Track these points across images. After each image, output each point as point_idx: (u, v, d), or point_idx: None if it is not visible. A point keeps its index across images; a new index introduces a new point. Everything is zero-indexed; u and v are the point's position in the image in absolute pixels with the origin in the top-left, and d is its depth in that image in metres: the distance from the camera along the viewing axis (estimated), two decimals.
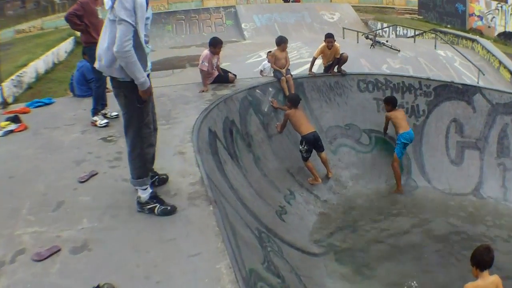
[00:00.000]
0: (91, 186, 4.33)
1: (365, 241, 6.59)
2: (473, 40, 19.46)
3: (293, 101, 7.46)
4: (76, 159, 4.97)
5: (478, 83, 15.58)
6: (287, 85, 8.32)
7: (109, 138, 5.47)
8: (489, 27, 25.50)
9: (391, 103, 7.87)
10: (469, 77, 16.17)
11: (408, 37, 22.76)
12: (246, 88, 7.79)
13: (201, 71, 7.73)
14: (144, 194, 3.78)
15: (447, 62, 16.88)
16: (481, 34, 24.33)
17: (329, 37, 8.58)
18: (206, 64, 7.69)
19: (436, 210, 7.43)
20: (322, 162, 7.65)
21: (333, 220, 7.08)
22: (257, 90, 7.99)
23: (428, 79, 8.96)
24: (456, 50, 17.22)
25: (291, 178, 7.46)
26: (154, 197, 3.83)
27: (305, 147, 7.31)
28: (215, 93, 7.48)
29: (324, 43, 8.70)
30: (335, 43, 8.68)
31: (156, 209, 3.76)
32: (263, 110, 7.88)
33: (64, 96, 7.43)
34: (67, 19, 5.88)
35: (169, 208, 3.81)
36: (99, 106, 6.09)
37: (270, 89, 8.27)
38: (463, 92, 8.49)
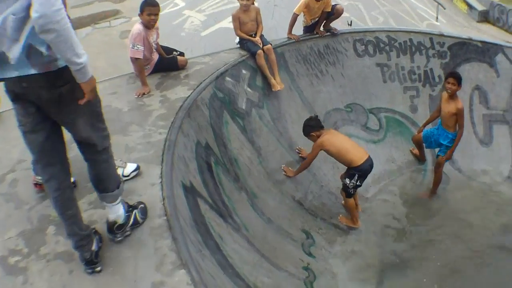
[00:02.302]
0: None
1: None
2: None
3: (316, 127, 4.92)
4: None
5: (437, 18, 13.96)
6: (268, 60, 5.66)
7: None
8: None
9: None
10: (426, 12, 14.40)
11: None
12: (212, 79, 4.99)
13: (135, 61, 4.72)
14: (121, 209, 2.69)
15: None
16: None
17: None
18: (141, 48, 4.67)
19: (479, 210, 5.62)
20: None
21: (371, 260, 4.92)
22: (227, 78, 5.23)
23: (441, 35, 6.85)
24: None
25: (300, 210, 5.05)
26: (128, 206, 2.80)
27: (357, 182, 4.85)
28: (165, 96, 4.59)
29: None
30: None
31: (138, 215, 2.78)
32: (240, 107, 5.20)
33: None
34: None
35: (142, 205, 2.85)
36: None
37: (244, 71, 5.53)
38: (484, 52, 6.69)
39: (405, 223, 5.46)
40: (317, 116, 5.05)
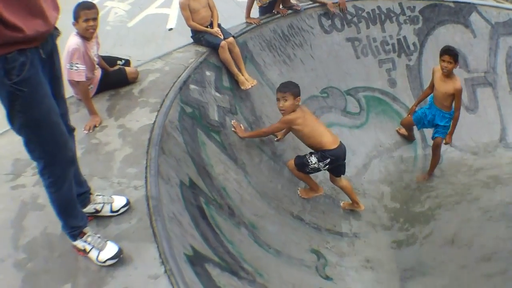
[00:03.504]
0: None
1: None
2: None
3: (297, 91, 4.11)
4: None
5: None
6: (232, 55, 4.86)
7: None
8: None
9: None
10: None
11: None
12: (175, 92, 4.12)
13: (75, 84, 3.73)
14: None
15: None
16: None
17: None
18: (82, 68, 3.67)
19: (482, 187, 5.34)
20: (345, 192, 4.74)
21: (388, 266, 4.51)
22: (192, 86, 4.37)
23: None
24: None
25: (302, 227, 4.45)
26: None
27: (325, 166, 4.27)
28: (123, 125, 3.67)
29: None
30: None
31: None
32: (213, 120, 4.40)
33: None
34: None
35: None
36: (75, 211, 2.41)
37: (207, 72, 4.70)
38: (457, 12, 6.39)
39: (412, 214, 5.08)
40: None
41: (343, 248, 4.57)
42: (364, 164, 5.59)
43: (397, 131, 5.91)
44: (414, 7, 6.17)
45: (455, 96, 4.66)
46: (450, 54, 4.54)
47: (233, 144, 4.42)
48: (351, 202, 4.81)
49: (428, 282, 4.37)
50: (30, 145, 2.06)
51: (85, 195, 2.59)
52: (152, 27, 7.80)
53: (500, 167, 5.68)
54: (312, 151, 4.30)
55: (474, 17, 6.26)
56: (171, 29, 7.69)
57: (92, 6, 3.71)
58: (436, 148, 5.14)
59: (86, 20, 3.65)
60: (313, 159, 4.26)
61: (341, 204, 4.91)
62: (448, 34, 6.20)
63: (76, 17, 3.63)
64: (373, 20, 6.11)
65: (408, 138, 5.85)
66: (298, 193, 4.68)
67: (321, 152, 4.22)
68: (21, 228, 2.72)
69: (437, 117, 4.98)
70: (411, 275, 4.45)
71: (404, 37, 6.19)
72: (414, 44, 6.19)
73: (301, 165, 4.35)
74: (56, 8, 2.06)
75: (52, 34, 2.07)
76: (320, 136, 4.15)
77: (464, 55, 6.18)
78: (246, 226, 3.78)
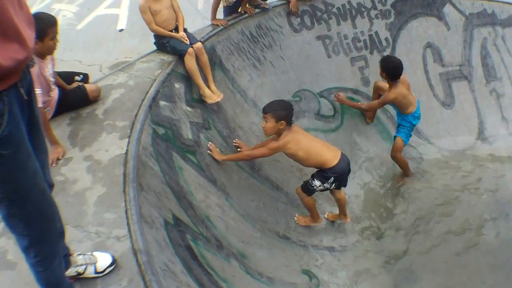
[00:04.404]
0: None
1: None
2: None
3: (289, 118, 3.95)
4: None
5: None
6: (199, 63, 4.57)
7: None
8: None
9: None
10: None
11: None
12: (145, 112, 3.79)
13: None
14: None
15: None
16: None
17: None
18: (39, 91, 3.20)
19: (465, 187, 5.45)
20: (339, 204, 4.65)
21: (380, 277, 4.51)
22: (162, 102, 4.06)
23: None
24: None
25: (290, 247, 4.32)
26: None
27: (331, 186, 4.18)
28: (91, 157, 3.32)
29: None
30: None
31: None
32: (187, 139, 4.11)
33: None
34: None
35: None
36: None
37: (177, 85, 4.39)
38: (430, 4, 6.43)
39: (397, 220, 5.09)
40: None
41: (332, 263, 4.50)
42: None
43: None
44: (386, 0, 6.12)
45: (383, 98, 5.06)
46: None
47: (210, 163, 4.18)
48: (337, 213, 4.73)
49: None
50: (11, 220, 1.72)
51: (65, 258, 2.29)
52: (102, 28, 7.48)
53: (479, 162, 5.81)
54: (314, 173, 4.18)
55: (447, 9, 6.32)
56: (121, 30, 7.33)
57: (56, 20, 3.31)
58: (394, 151, 5.24)
59: (53, 38, 3.26)
60: (317, 182, 4.15)
61: (325, 215, 4.81)
62: (421, 28, 6.22)
63: (42, 36, 3.18)
64: (343, 15, 5.99)
65: (368, 118, 5.88)
66: (295, 219, 4.55)
67: (321, 173, 4.10)
68: None
69: (397, 113, 5.28)
70: (404, 284, 4.46)
71: (376, 33, 6.13)
72: (386, 39, 6.16)
73: (308, 190, 4.24)
74: (31, 24, 1.59)
75: (27, 64, 1.62)
76: (318, 156, 4.01)
77: (438, 49, 6.25)
78: (235, 257, 3.60)
